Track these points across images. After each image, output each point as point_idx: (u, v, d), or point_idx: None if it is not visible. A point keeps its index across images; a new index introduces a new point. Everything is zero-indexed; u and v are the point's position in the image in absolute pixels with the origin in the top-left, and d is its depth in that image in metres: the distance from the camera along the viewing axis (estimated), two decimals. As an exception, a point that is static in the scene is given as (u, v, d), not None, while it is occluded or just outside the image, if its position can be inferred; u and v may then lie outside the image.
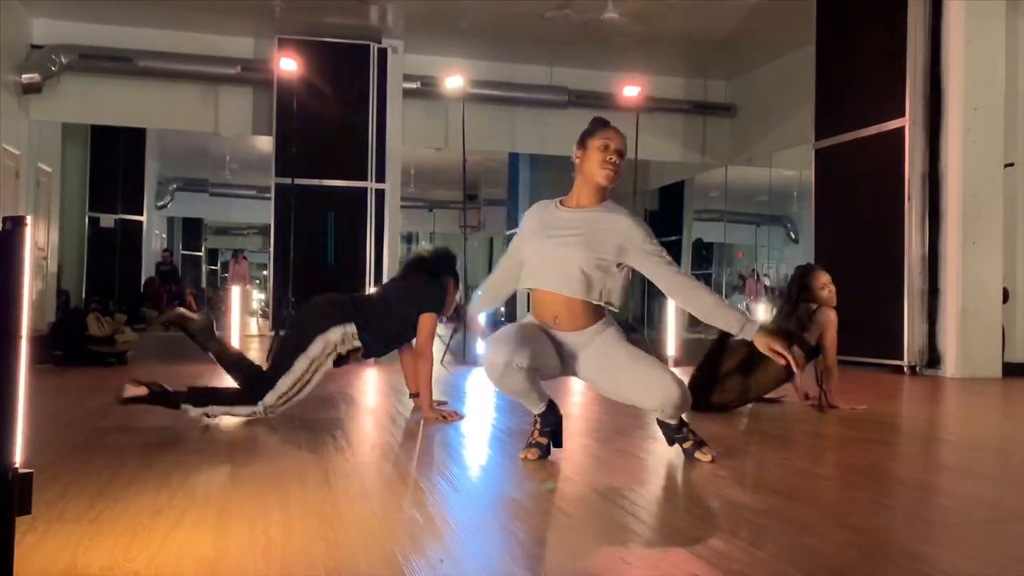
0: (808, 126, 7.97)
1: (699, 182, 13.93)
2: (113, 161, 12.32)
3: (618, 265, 2.87)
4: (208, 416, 3.44)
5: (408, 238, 20.28)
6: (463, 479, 2.69)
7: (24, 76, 9.00)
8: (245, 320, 9.74)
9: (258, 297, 15.34)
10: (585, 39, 9.58)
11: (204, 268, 19.81)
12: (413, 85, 9.95)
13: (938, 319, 6.67)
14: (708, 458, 2.88)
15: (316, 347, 3.49)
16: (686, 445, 2.95)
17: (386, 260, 9.48)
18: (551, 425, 2.94)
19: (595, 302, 2.84)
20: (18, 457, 1.48)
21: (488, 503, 2.37)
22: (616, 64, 10.31)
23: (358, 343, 3.58)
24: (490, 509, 2.28)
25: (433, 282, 3.82)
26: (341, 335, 3.54)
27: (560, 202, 2.98)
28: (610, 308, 2.90)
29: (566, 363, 2.89)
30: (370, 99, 9.32)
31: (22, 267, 1.47)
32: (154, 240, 15.35)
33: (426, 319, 3.71)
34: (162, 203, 15.97)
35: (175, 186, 16.22)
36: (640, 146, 8.61)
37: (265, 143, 10.19)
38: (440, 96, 9.78)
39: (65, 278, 11.26)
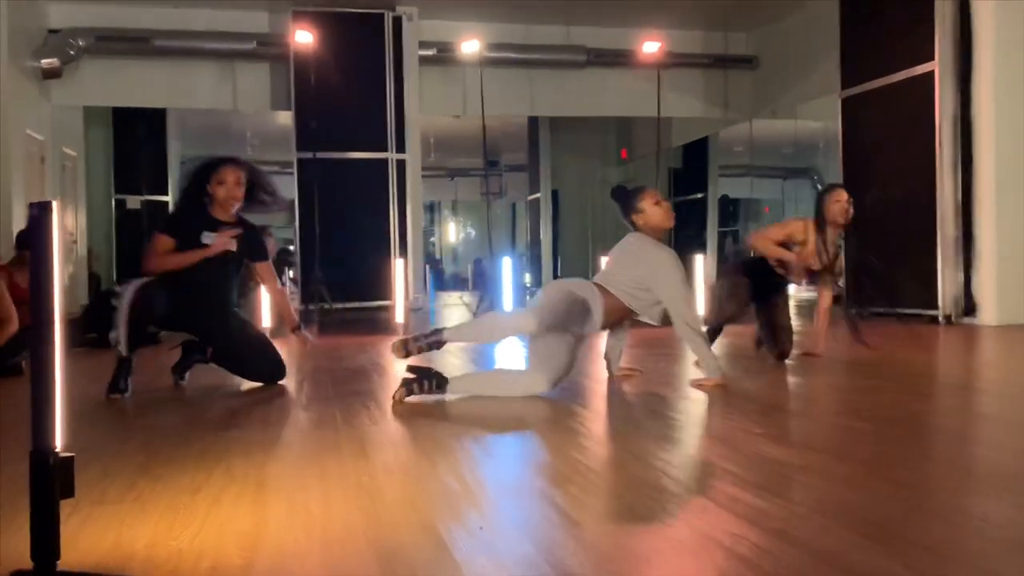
0: (833, 76, 7.80)
1: (723, 138, 13.72)
2: (136, 143, 12.36)
3: None
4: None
5: (431, 207, 20.25)
6: (497, 444, 2.69)
7: (43, 61, 9.02)
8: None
9: (288, 272, 15.40)
10: (602, -4, 9.42)
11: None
12: (429, 52, 9.86)
13: (973, 267, 6.56)
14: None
15: None
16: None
17: (410, 230, 9.47)
18: (432, 375, 3.35)
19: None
20: (59, 441, 1.49)
21: (523, 468, 2.38)
22: (633, 20, 10.13)
23: None
24: (525, 474, 2.28)
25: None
26: None
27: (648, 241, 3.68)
28: None
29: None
30: (387, 68, 9.24)
31: (51, 252, 1.47)
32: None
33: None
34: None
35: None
36: (661, 104, 8.51)
37: (285, 118, 10.16)
38: (457, 62, 9.69)
39: (95, 261, 11.38)
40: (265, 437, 2.85)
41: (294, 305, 9.83)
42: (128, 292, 3.50)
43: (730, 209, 15.80)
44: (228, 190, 3.77)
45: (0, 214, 7.98)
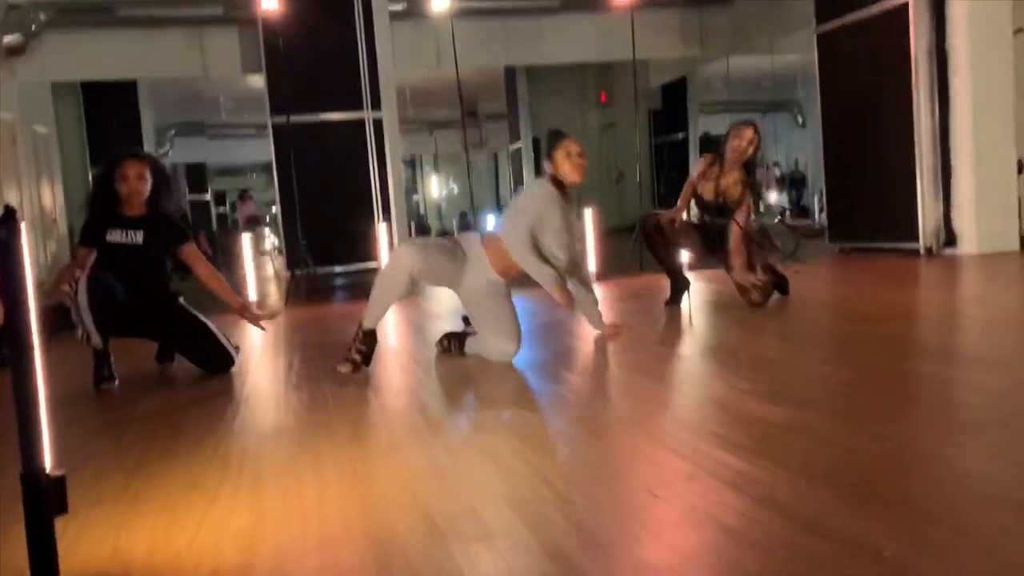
0: (809, 8, 7.71)
1: (701, 75, 13.61)
2: (108, 115, 12.17)
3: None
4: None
5: (412, 162, 20.09)
6: (488, 419, 2.72)
7: (5, 38, 8.82)
8: (260, 262, 9.76)
9: (270, 238, 15.33)
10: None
11: (213, 211, 19.76)
12: (398, 7, 9.67)
13: (952, 198, 6.58)
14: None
15: None
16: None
17: (391, 189, 9.40)
18: (368, 347, 3.48)
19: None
20: (48, 461, 1.50)
21: (514, 443, 2.40)
22: (606, -38, 9.93)
23: None
24: (517, 449, 2.31)
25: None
26: None
27: (553, 195, 3.61)
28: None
29: (464, 285, 3.58)
30: (357, 27, 9.07)
31: (23, 271, 1.46)
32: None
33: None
34: (162, 151, 15.82)
35: (173, 132, 16.05)
36: (637, 45, 8.40)
37: (257, 80, 10.00)
38: (428, 15, 9.52)
39: (76, 239, 11.31)
40: (258, 423, 2.87)
41: (281, 271, 9.81)
42: (81, 285, 3.46)
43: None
44: (130, 185, 3.69)
45: (-25, 199, 7.87)
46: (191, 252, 3.88)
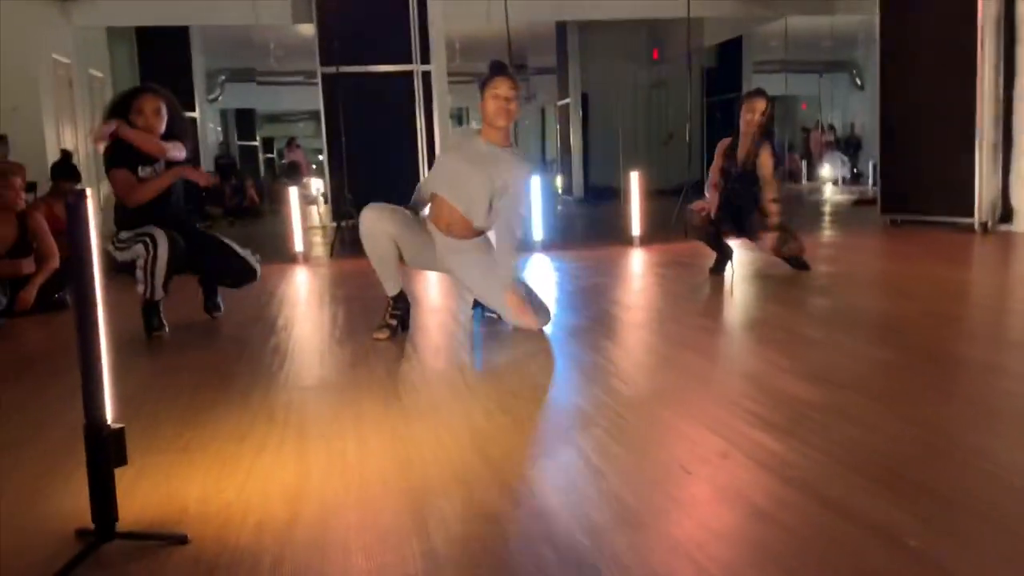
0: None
1: (758, 35, 13.27)
2: (160, 59, 12.29)
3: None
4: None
5: (459, 115, 20.02)
6: (525, 385, 2.77)
7: (63, -19, 8.92)
8: (306, 212, 9.87)
9: (316, 185, 15.46)
10: None
11: (261, 157, 19.96)
12: (450, -41, 9.54)
13: (1012, 172, 6.40)
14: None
15: None
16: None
17: (437, 141, 9.40)
18: (401, 311, 3.48)
19: (479, 227, 3.43)
20: (109, 415, 1.58)
21: (550, 411, 2.46)
22: (663, -86, 9.68)
23: None
24: (552, 418, 2.36)
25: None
26: None
27: (479, 132, 3.46)
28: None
29: (440, 260, 3.47)
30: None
31: (89, 238, 1.52)
32: (209, 134, 15.47)
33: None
34: (213, 96, 15.97)
35: (223, 78, 16.18)
36: (692, 3, 8.23)
37: (308, 29, 9.99)
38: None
39: (105, 160, 11.50)
40: (303, 377, 2.96)
41: (327, 221, 9.92)
42: (162, 246, 3.59)
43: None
44: (146, 120, 3.72)
45: (34, 139, 8.06)
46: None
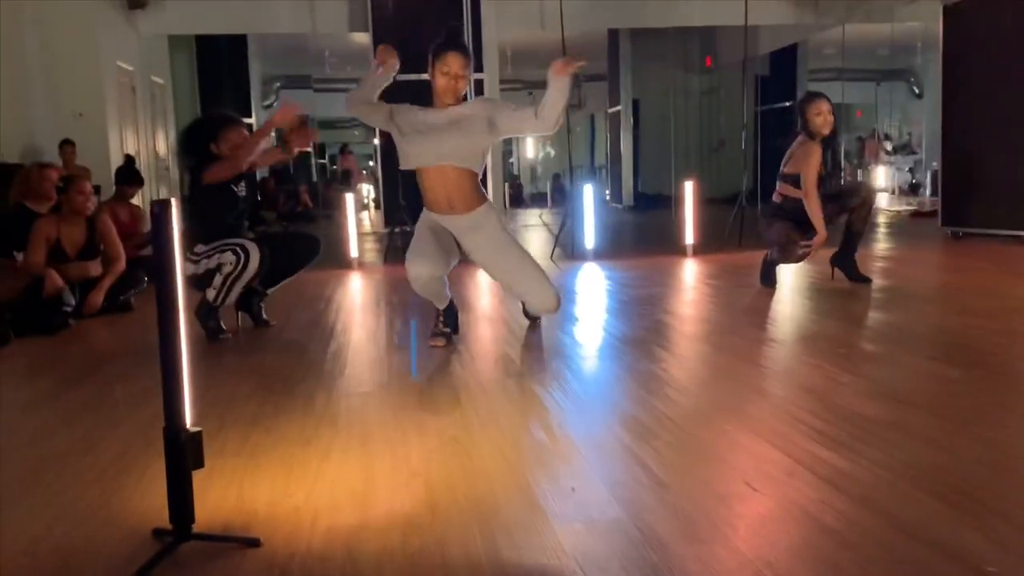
0: (936, -24, 7.31)
1: (813, 42, 13.10)
2: (219, 66, 12.58)
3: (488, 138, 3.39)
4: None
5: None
6: (584, 395, 2.78)
7: (129, -8, 9.18)
8: (359, 219, 10.00)
9: (367, 190, 15.63)
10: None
11: (314, 163, 20.26)
12: (507, -34, 9.60)
13: (1080, 185, 6.22)
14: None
15: None
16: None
17: (488, 151, 9.45)
18: (451, 317, 3.60)
19: (477, 171, 3.44)
20: (188, 419, 1.63)
21: (611, 421, 2.46)
22: (719, -79, 9.61)
23: None
24: (613, 428, 2.36)
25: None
26: None
27: (427, 107, 3.46)
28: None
29: (464, 246, 3.52)
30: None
31: (172, 246, 1.58)
32: (264, 140, 15.76)
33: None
34: (268, 103, 16.28)
35: (279, 84, 16.48)
36: (748, 11, 8.15)
37: (362, 37, 10.13)
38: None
39: (186, 185, 11.79)
40: (363, 383, 3.00)
41: (379, 227, 10.04)
42: (254, 256, 3.72)
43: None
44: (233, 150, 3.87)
45: (99, 144, 8.30)
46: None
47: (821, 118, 4.46)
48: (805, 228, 4.49)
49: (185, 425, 1.62)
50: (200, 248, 3.79)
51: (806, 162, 4.43)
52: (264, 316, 4.06)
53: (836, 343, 3.39)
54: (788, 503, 1.77)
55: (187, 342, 1.63)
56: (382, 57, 3.58)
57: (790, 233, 4.47)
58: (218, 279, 3.72)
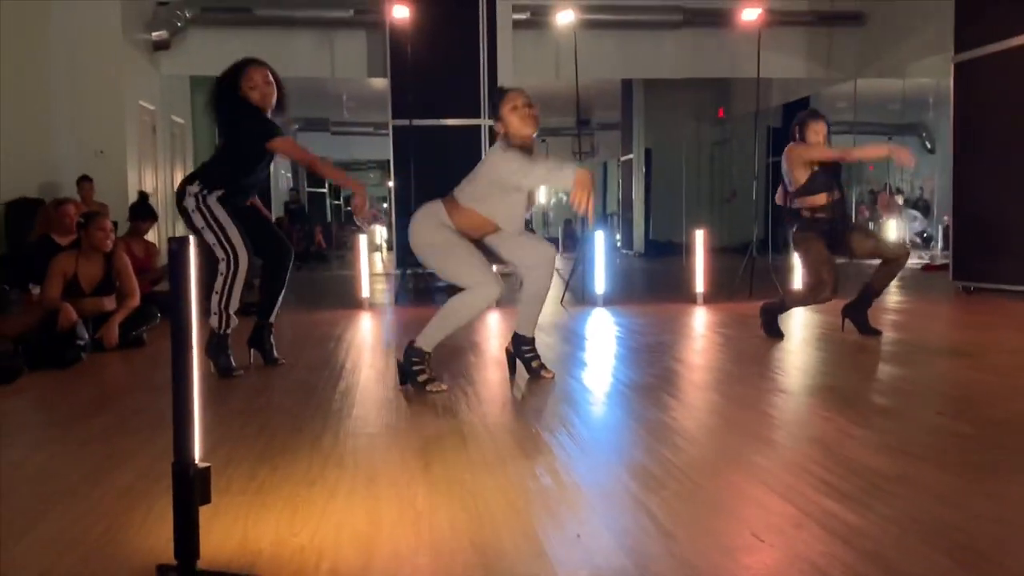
0: (946, 33, 7.42)
1: (825, 96, 13.23)
2: (239, 107, 12.78)
3: None
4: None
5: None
6: (591, 441, 2.77)
7: (154, 34, 9.42)
8: (371, 260, 10.08)
9: (380, 232, 15.78)
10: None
11: (329, 204, 20.49)
12: (523, 16, 9.81)
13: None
14: (550, 375, 3.64)
15: None
16: (534, 364, 3.67)
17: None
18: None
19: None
20: (197, 454, 1.64)
21: (618, 470, 2.45)
22: (733, -22, 9.80)
23: None
24: (620, 477, 2.35)
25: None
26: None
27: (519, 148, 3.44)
28: None
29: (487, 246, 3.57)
30: (480, 35, 9.25)
31: (189, 283, 1.60)
32: (280, 180, 15.96)
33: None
34: (285, 144, 16.51)
35: (297, 127, 16.72)
36: (761, 64, 8.27)
37: (380, 82, 10.33)
38: (550, 25, 9.62)
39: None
40: (371, 423, 3.00)
41: (390, 269, 10.10)
42: (243, 258, 3.74)
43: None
44: (260, 90, 3.84)
45: (118, 181, 8.42)
46: (288, 143, 4.03)
47: (818, 139, 4.54)
48: (836, 247, 4.55)
49: (194, 460, 1.63)
50: (211, 200, 3.77)
51: (807, 149, 4.52)
52: (275, 354, 4.08)
53: (844, 395, 3.38)
54: (795, 556, 1.76)
55: (199, 378, 1.64)
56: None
57: (822, 269, 4.46)
58: (214, 300, 3.73)
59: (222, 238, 3.77)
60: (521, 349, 3.69)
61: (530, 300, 3.65)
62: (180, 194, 3.83)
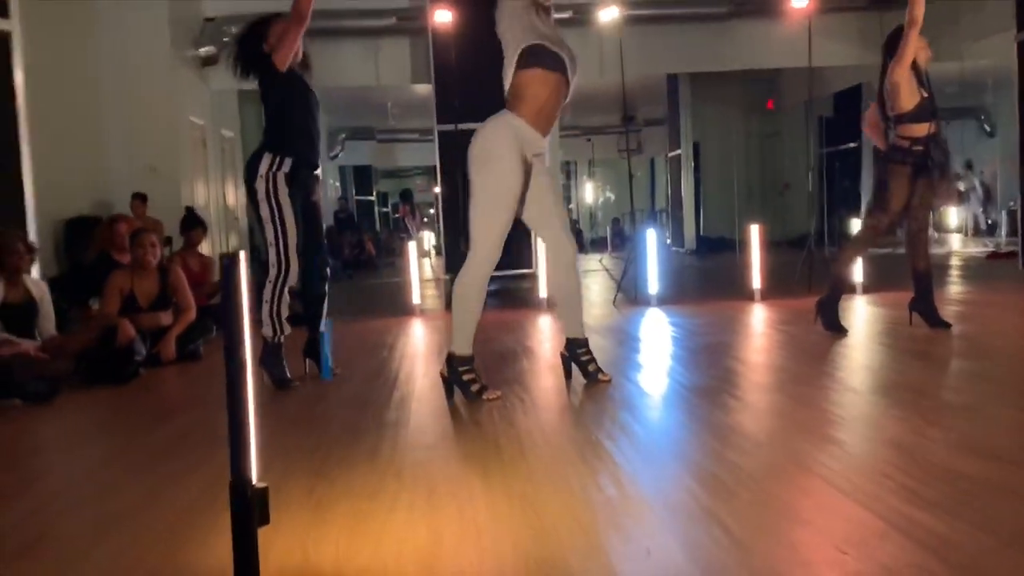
0: (1006, 12, 7.14)
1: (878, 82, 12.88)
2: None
3: None
4: None
5: (567, 169, 20.19)
6: (654, 448, 2.68)
7: (202, 50, 9.54)
8: (420, 265, 10.10)
9: (428, 238, 15.81)
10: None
11: (377, 211, 20.62)
12: (565, 15, 9.70)
13: None
14: (607, 378, 3.50)
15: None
16: (590, 367, 3.52)
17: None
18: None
19: None
20: (255, 475, 1.60)
21: (684, 478, 2.35)
22: (780, -37, 9.57)
23: None
24: (688, 486, 2.26)
25: None
26: None
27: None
28: None
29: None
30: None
31: (241, 300, 1.56)
32: (329, 190, 16.10)
33: None
34: (333, 153, 16.69)
35: (344, 136, 16.88)
36: (812, 53, 8.05)
37: (423, 88, 10.33)
38: (593, 23, 9.51)
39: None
40: (427, 434, 2.95)
41: (440, 274, 10.10)
42: (293, 271, 3.75)
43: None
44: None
45: (171, 196, 8.55)
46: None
47: (924, 54, 4.31)
48: (924, 185, 4.29)
49: (252, 481, 1.58)
50: (280, 181, 3.77)
51: (900, 62, 4.25)
52: (330, 363, 4.07)
53: (917, 393, 3.23)
54: (882, 570, 1.65)
55: (254, 397, 1.60)
56: None
57: (895, 202, 4.25)
58: (265, 309, 3.72)
59: (280, 242, 3.78)
60: (576, 352, 3.60)
61: (564, 302, 3.58)
62: (251, 175, 3.81)
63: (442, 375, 3.45)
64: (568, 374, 3.65)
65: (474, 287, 3.33)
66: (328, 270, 4.08)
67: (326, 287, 4.06)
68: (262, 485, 1.62)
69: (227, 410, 1.58)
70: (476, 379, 3.38)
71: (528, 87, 3.35)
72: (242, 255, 1.58)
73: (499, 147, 3.31)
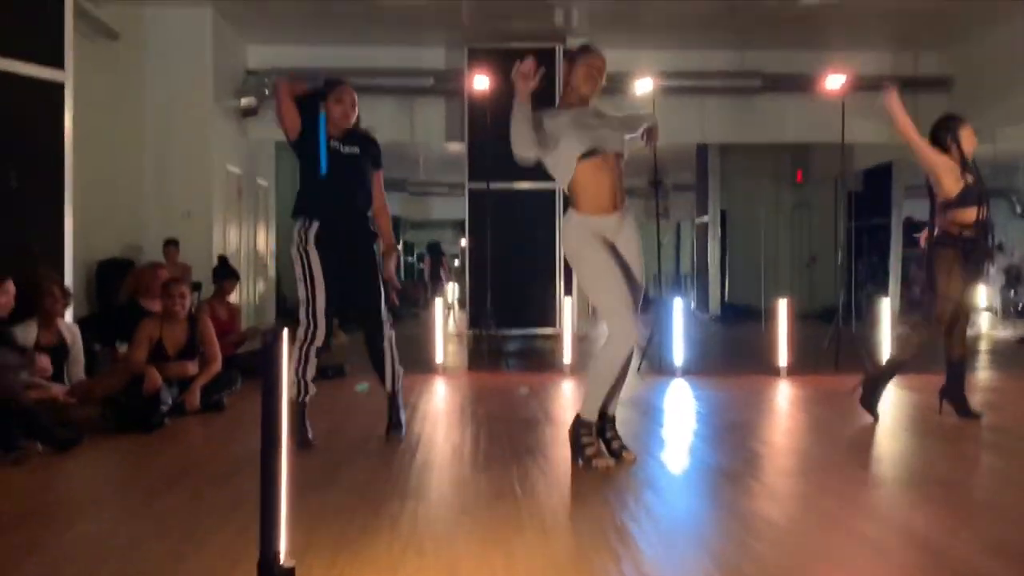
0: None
1: (909, 160, 12.90)
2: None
3: None
4: None
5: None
6: (678, 534, 2.65)
7: (243, 100, 9.79)
8: (445, 318, 10.15)
9: (453, 290, 15.89)
10: (779, 21, 9.12)
11: (403, 261, 20.80)
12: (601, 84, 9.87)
13: None
14: (632, 457, 3.45)
15: None
16: (614, 444, 3.47)
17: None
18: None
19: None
20: (283, 552, 1.61)
21: (709, 567, 2.32)
22: (814, 42, 9.71)
23: None
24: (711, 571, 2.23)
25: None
26: None
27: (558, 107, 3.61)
28: None
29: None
30: (557, 100, 9.35)
31: (281, 378, 1.59)
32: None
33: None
34: (366, 205, 16.91)
35: (376, 187, 17.12)
36: (845, 129, 8.12)
37: (454, 145, 10.50)
38: (627, 91, 9.66)
39: (284, 282, 12.18)
40: (449, 506, 2.94)
41: (463, 329, 10.12)
42: (320, 335, 3.80)
43: (914, 234, 14.83)
44: (344, 109, 3.92)
45: (203, 243, 8.69)
46: (379, 178, 4.13)
47: (970, 141, 4.27)
48: (973, 272, 4.24)
49: (280, 562, 1.59)
50: (310, 242, 3.85)
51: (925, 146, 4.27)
52: (402, 423, 4.07)
53: (946, 487, 3.18)
54: None
55: (289, 477, 1.61)
56: (530, 70, 3.53)
57: (951, 291, 4.15)
58: (290, 367, 3.69)
59: (309, 304, 3.84)
60: (603, 427, 3.57)
61: (593, 377, 3.46)
62: (291, 236, 3.96)
63: (569, 433, 3.49)
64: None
65: (617, 362, 3.36)
66: (385, 324, 4.03)
67: (383, 343, 4.02)
68: (289, 565, 1.62)
69: (260, 489, 1.59)
70: (593, 443, 3.41)
71: (574, 184, 3.44)
72: (285, 333, 1.61)
73: (576, 246, 3.44)
